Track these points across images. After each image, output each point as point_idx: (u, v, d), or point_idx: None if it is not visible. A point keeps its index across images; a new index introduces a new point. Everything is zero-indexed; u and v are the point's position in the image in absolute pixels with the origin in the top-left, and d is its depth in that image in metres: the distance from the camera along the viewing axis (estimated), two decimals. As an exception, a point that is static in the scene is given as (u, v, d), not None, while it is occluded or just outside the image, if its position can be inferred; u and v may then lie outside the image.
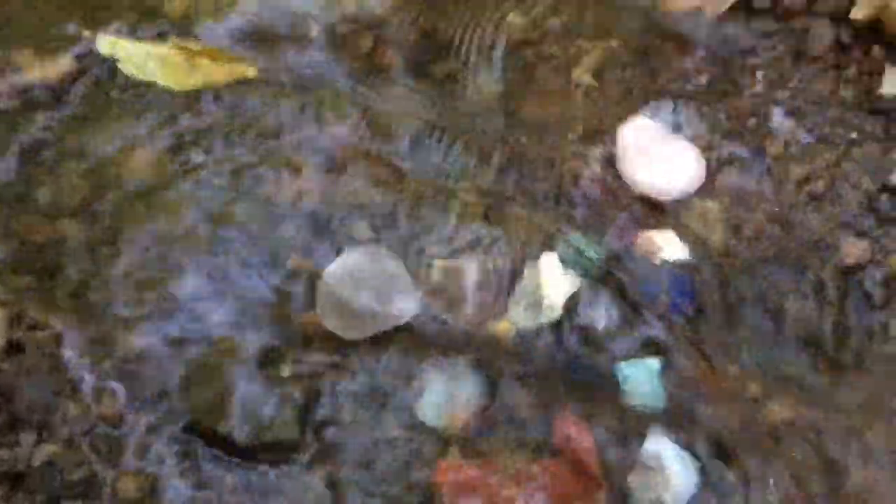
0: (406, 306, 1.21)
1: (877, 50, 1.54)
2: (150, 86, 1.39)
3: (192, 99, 1.39)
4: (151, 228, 1.25)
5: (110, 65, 1.40)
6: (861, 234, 1.37)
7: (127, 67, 1.40)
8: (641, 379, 1.21)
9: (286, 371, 1.11)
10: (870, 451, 1.19)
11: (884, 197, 1.41)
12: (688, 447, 1.16)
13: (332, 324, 1.18)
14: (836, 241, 1.36)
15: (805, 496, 1.14)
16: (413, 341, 1.19)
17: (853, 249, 1.36)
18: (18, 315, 1.13)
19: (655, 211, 1.38)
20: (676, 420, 1.18)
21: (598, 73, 1.53)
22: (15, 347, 1.09)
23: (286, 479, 1.05)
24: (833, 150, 1.46)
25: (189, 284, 1.20)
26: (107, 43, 1.42)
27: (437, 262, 1.26)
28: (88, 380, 1.07)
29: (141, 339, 1.13)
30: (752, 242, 1.37)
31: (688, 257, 1.33)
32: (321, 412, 1.10)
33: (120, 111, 1.36)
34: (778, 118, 1.50)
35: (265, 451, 1.06)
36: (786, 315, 1.30)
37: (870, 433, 1.21)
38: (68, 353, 1.10)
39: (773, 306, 1.31)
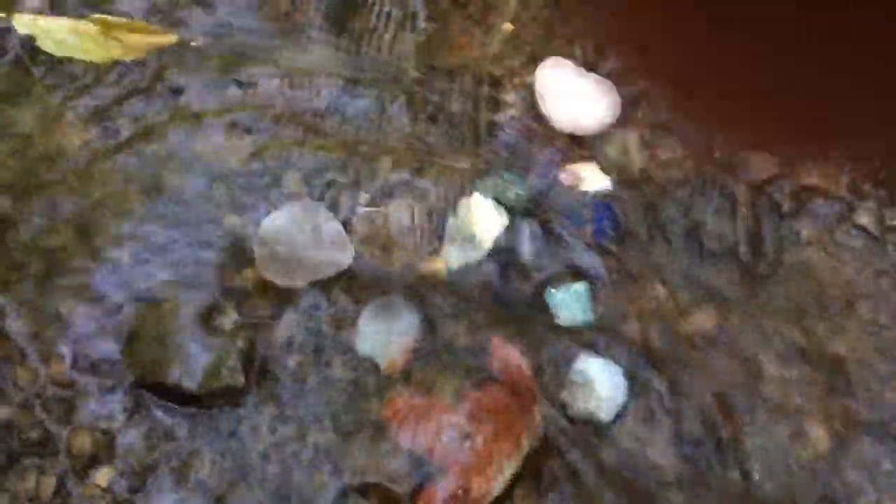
0: (340, 254, 1.25)
1: None
2: (70, 61, 1.40)
3: (114, 70, 1.41)
4: (84, 200, 1.27)
5: (30, 43, 1.41)
6: (770, 150, 1.45)
7: (46, 44, 1.41)
8: (570, 303, 1.28)
9: (228, 323, 1.15)
10: (784, 352, 1.28)
11: (789, 114, 1.49)
12: (616, 362, 1.24)
13: (270, 274, 1.22)
14: (746, 157, 1.44)
15: (723, 395, 1.23)
16: (350, 286, 1.24)
17: (763, 164, 1.44)
18: (-40, 291, 1.15)
19: (577, 145, 1.44)
20: (605, 338, 1.26)
21: (514, 19, 1.58)
22: (-40, 321, 1.12)
23: (236, 421, 1.10)
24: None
25: (126, 251, 1.23)
26: (24, 22, 1.43)
27: (366, 210, 1.30)
28: (34, 347, 1.11)
29: (82, 306, 1.17)
30: (669, 167, 1.44)
31: (610, 186, 1.40)
32: (265, 357, 1.15)
33: (43, 88, 1.37)
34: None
35: (213, 398, 1.11)
36: (704, 232, 1.38)
37: (784, 335, 1.30)
38: (13, 323, 1.13)
39: (692, 225, 1.38)
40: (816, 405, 1.23)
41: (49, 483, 1.04)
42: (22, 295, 1.16)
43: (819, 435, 1.21)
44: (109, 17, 1.46)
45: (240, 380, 1.09)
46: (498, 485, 1.12)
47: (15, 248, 1.21)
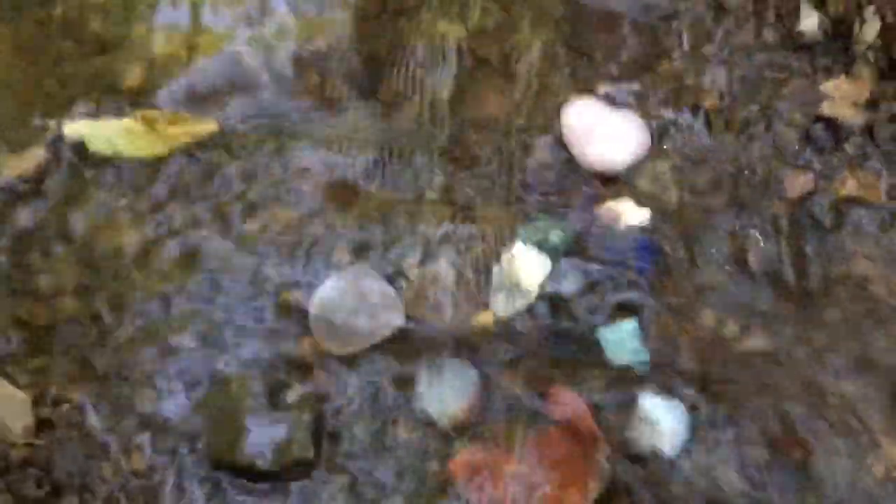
0: (392, 317, 1.29)
1: (790, -13, 1.64)
2: (120, 159, 1.47)
3: (163, 163, 1.48)
4: (144, 292, 1.33)
5: (80, 147, 1.49)
6: (802, 168, 1.46)
7: (95, 146, 1.49)
8: (623, 341, 1.30)
9: (293, 396, 1.20)
10: (843, 368, 1.27)
11: (818, 127, 1.50)
12: (676, 396, 1.25)
13: (328, 344, 1.27)
14: (781, 177, 1.45)
15: (786, 418, 1.23)
16: (405, 347, 1.28)
17: (797, 182, 1.45)
18: (41, 394, 1.22)
19: (610, 182, 1.47)
20: (661, 373, 1.27)
21: (536, 66, 1.62)
22: (45, 424, 1.18)
23: (309, 493, 1.13)
24: (765, 91, 1.55)
25: (189, 336, 1.29)
26: (73, 127, 1.51)
27: (414, 271, 1.34)
28: (115, 440, 1.17)
29: (154, 394, 1.22)
30: (705, 193, 1.45)
31: (648, 219, 1.42)
32: (332, 427, 1.19)
33: (96, 189, 1.45)
34: (709, 72, 1.59)
35: (286, 472, 1.15)
36: (747, 255, 1.39)
37: (841, 350, 1.30)
38: (93, 420, 1.19)
39: (734, 250, 1.39)
40: (883, 420, 1.22)
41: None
42: (98, 391, 1.23)
43: (889, 451, 1.20)
44: (152, 112, 1.54)
45: (310, 452, 1.13)
46: (571, 531, 1.14)
47: (85, 346, 1.28)
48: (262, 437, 1.13)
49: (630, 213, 1.43)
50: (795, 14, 1.60)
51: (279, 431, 1.13)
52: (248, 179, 1.45)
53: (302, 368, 1.25)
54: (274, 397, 1.20)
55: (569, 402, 1.21)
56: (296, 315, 1.31)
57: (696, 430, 1.22)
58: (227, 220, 1.41)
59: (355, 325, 1.28)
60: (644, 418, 1.22)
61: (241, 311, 1.32)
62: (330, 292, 1.32)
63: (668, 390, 1.25)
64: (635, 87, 1.58)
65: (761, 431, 1.23)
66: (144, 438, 1.17)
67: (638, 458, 1.20)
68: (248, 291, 1.34)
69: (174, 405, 1.21)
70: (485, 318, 1.32)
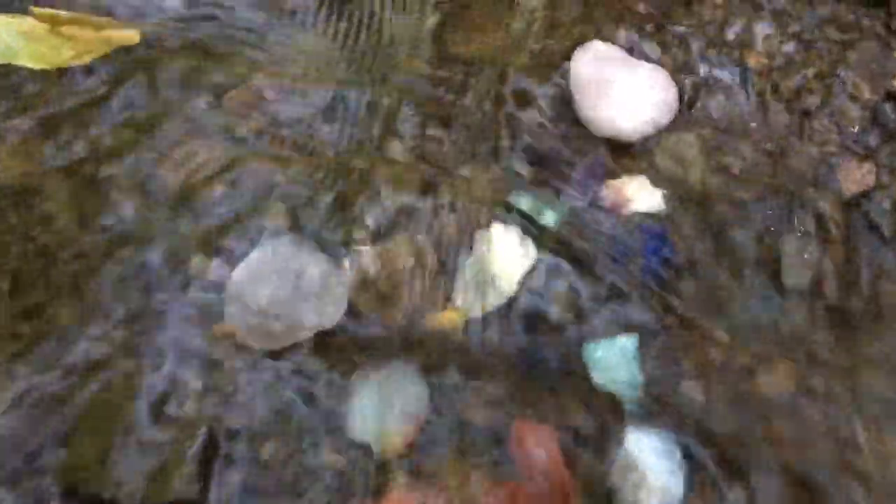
0: (330, 307, 1.02)
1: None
2: (11, 67, 1.17)
3: (65, 77, 1.18)
4: (25, 238, 1.06)
5: (-36, 47, 1.18)
6: (863, 156, 1.17)
7: (-15, 48, 1.19)
8: (614, 361, 1.03)
9: (185, 407, 0.93)
10: (883, 417, 1.02)
11: (888, 107, 1.20)
12: (672, 438, 0.99)
13: (242, 334, 1.00)
14: (835, 166, 1.16)
15: (809, 480, 0.97)
16: (342, 347, 1.01)
17: (855, 174, 1.16)
18: None
19: (621, 154, 1.18)
20: (657, 405, 1.01)
21: (544, -8, 1.30)
22: None
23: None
24: (825, 55, 1.25)
25: (70, 308, 1.01)
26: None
27: (364, 249, 1.06)
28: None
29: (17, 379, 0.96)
30: (738, 179, 1.17)
31: (663, 206, 1.14)
32: (231, 452, 0.93)
33: (-24, 104, 1.15)
34: (758, 24, 1.27)
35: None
36: (781, 262, 1.11)
37: (884, 394, 1.04)
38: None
39: (766, 254, 1.12)
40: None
41: None
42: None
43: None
44: (58, 12, 1.23)
45: (194, 489, 0.87)
46: None
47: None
48: (134, 464, 0.87)
49: (641, 196, 1.14)
50: (876, -44, 1.28)
51: (158, 458, 0.87)
52: (168, 107, 1.15)
53: (204, 366, 0.98)
54: (157, 407, 0.93)
55: (538, 444, 0.95)
56: (209, 291, 1.04)
57: (693, 485, 0.97)
58: (135, 162, 1.12)
59: (280, 313, 1.01)
60: (631, 466, 0.96)
61: (139, 278, 1.04)
62: (254, 265, 1.05)
63: (662, 430, 1.00)
64: (665, 32, 1.27)
65: (775, 494, 0.98)
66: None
67: (619, 519, 0.96)
68: (151, 253, 1.06)
69: (30, 406, 0.94)
70: (446, 318, 1.05)
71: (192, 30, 1.25)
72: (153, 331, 0.99)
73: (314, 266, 1.05)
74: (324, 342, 1.01)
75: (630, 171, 1.16)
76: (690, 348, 1.06)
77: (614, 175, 1.16)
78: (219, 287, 1.04)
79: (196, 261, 1.06)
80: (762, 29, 1.25)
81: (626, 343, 1.04)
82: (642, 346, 1.05)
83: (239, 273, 1.04)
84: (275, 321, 1.01)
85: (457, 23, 1.28)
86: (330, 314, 1.02)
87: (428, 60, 1.23)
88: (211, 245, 1.07)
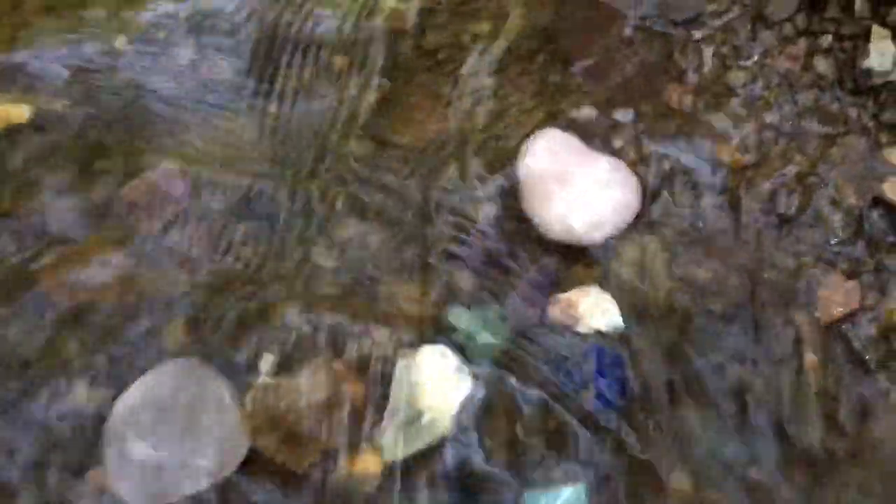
0: (226, 452, 0.87)
1: (859, 3, 1.18)
2: None
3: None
4: None
5: None
6: (847, 272, 1.03)
7: None
8: (556, 518, 0.89)
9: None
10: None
11: (875, 214, 1.07)
12: None
13: (117, 487, 0.85)
14: (815, 282, 1.03)
15: None
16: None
17: (837, 294, 1.02)
18: None
19: (574, 260, 1.04)
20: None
21: (495, 71, 1.17)
22: None
23: None
24: (806, 150, 1.11)
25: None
26: None
27: (269, 380, 0.92)
28: None
29: None
30: (706, 294, 1.03)
31: (619, 324, 1.00)
32: None
33: None
34: (732, 112, 1.14)
35: None
36: (752, 393, 0.97)
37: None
38: None
39: (735, 383, 0.98)
40: None
41: None
42: None
43: None
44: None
45: None
46: None
47: None
48: None
49: (595, 311, 1.01)
50: (863, 42, 1.15)
51: None
52: (51, 203, 1.01)
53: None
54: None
55: None
56: (87, 429, 0.89)
57: None
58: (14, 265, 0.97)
59: (167, 462, 0.86)
60: None
61: (10, 414, 0.90)
62: (141, 399, 0.90)
63: None
64: (629, 117, 1.13)
65: None
66: None
67: None
68: (26, 375, 0.92)
69: None
70: (365, 463, 0.90)
71: (91, 105, 1.10)
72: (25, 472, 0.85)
73: (211, 400, 0.90)
74: (216, 498, 0.87)
75: (583, 282, 1.02)
76: (647, 496, 0.92)
77: (565, 286, 1.02)
78: (101, 420, 0.90)
79: (78, 390, 0.91)
80: (737, 118, 1.12)
81: (572, 496, 0.90)
82: (592, 495, 0.91)
83: (122, 406, 0.89)
84: (157, 475, 0.86)
85: (396, 102, 1.14)
86: (226, 461, 0.87)
87: (360, 148, 1.10)
88: (96, 371, 0.93)
